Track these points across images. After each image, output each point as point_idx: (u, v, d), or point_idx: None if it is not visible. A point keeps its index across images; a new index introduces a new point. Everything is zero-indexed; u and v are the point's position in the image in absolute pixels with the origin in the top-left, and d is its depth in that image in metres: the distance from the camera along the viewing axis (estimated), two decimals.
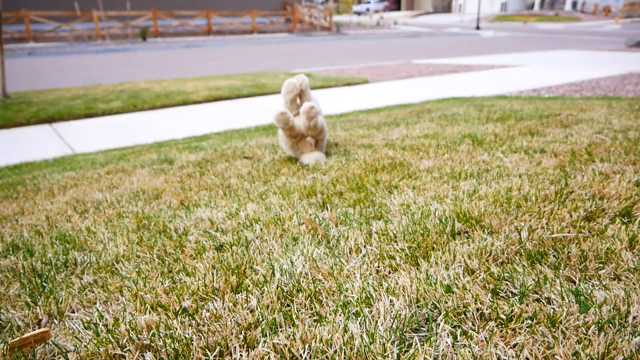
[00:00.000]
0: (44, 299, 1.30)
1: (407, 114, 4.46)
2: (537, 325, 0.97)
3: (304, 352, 0.95)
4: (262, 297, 1.17)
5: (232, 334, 1.04)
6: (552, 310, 1.02)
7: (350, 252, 1.40)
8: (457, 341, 0.95)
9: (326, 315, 1.08)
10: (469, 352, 0.91)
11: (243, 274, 1.32)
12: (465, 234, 1.44)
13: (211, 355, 0.98)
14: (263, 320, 1.08)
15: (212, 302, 1.17)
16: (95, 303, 1.26)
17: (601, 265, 1.21)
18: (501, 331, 0.97)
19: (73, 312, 1.24)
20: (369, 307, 1.09)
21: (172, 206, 2.08)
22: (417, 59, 12.94)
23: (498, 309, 1.03)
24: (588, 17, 42.69)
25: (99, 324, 1.13)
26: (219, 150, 3.26)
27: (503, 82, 8.15)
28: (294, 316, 1.09)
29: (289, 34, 25.36)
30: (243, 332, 1.04)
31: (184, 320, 1.10)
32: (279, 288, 1.20)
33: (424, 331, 1.00)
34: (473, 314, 1.03)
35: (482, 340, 0.94)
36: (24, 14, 19.01)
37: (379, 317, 1.04)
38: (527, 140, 2.65)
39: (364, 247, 1.41)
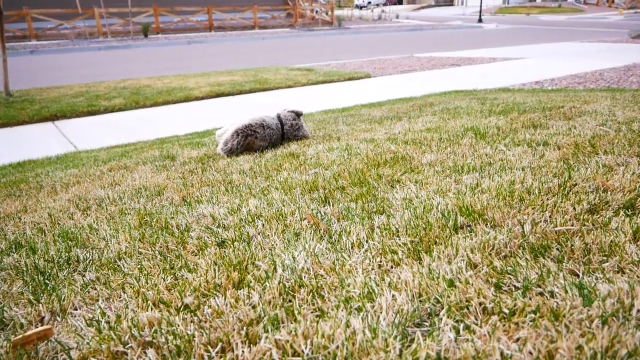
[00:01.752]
0: (47, 297, 1.30)
1: (409, 108, 4.44)
2: (540, 319, 0.96)
3: (305, 347, 0.95)
4: (264, 292, 1.17)
5: (234, 330, 1.04)
6: (555, 303, 1.01)
7: (352, 247, 1.39)
8: (460, 335, 0.95)
9: (328, 311, 1.08)
10: (472, 346, 0.91)
11: (245, 270, 1.32)
12: (468, 228, 1.43)
13: (213, 351, 0.98)
14: (265, 316, 1.07)
15: (214, 298, 1.17)
16: (97, 300, 1.26)
17: (605, 258, 1.20)
18: (504, 325, 0.97)
19: (75, 309, 1.24)
20: (371, 302, 1.08)
21: (174, 202, 2.08)
22: (419, 53, 12.88)
23: (501, 303, 1.03)
24: (591, 8, 42.32)
25: (101, 321, 1.13)
26: None
27: (505, 74, 8.10)
28: (295, 312, 1.08)
29: (291, 28, 25.28)
30: (245, 328, 1.04)
31: (185, 316, 1.10)
32: (281, 284, 1.20)
33: (427, 326, 0.99)
34: (476, 308, 1.02)
35: (484, 335, 0.94)
36: (25, 12, 19.01)
37: (381, 312, 1.04)
38: (530, 133, 2.63)
39: (366, 241, 1.41)
